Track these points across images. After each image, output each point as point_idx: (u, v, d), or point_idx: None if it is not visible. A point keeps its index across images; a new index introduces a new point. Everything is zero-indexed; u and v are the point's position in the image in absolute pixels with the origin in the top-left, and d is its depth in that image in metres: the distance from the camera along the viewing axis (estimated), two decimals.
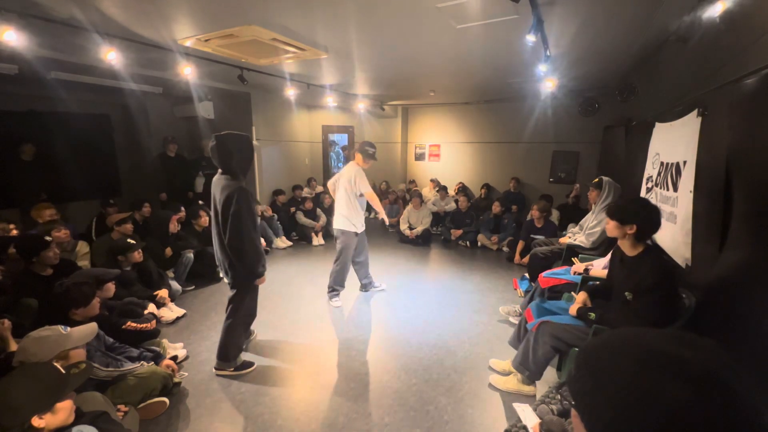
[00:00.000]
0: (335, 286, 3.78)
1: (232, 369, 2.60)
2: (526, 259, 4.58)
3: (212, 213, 2.39)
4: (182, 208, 4.59)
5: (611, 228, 2.02)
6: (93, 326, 1.98)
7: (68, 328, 1.83)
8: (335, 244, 3.77)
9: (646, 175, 3.08)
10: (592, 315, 2.08)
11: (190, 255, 4.10)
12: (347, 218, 3.60)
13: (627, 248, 2.00)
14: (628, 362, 0.51)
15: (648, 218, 1.90)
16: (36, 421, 1.29)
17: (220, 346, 2.58)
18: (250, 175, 6.37)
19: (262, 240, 5.37)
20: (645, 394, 0.47)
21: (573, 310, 2.22)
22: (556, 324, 2.22)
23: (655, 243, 2.44)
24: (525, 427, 1.73)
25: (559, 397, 1.71)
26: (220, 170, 2.40)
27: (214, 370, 2.61)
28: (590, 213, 3.73)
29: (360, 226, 3.69)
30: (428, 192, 7.65)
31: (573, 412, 0.58)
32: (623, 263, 2.04)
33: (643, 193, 3.07)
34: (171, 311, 3.39)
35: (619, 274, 2.06)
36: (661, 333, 0.55)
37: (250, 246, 2.29)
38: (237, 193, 2.24)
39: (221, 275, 2.54)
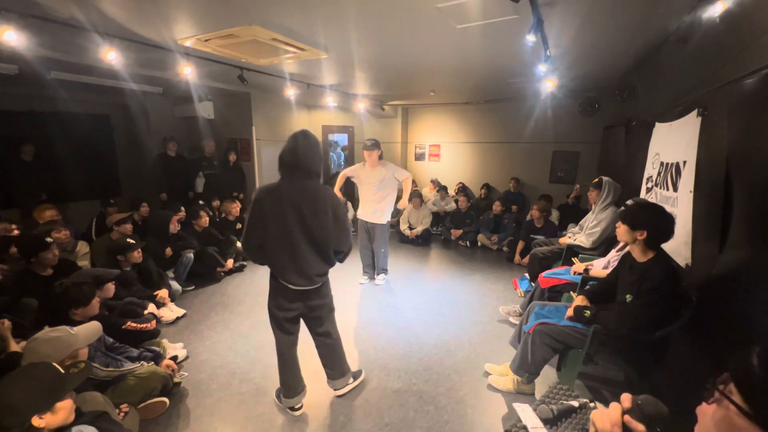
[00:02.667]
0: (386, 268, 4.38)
1: (352, 379, 2.45)
2: (526, 259, 4.58)
3: (294, 220, 1.93)
4: (182, 208, 4.59)
5: (621, 232, 1.99)
6: (97, 325, 1.98)
7: (74, 328, 1.83)
8: (373, 236, 4.21)
9: (646, 175, 3.08)
10: (587, 312, 2.08)
11: (190, 255, 4.10)
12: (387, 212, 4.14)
13: (637, 254, 1.97)
14: None
15: (660, 225, 1.86)
16: (36, 421, 1.29)
17: (340, 362, 2.32)
18: (250, 175, 6.40)
19: None
20: None
21: (570, 312, 2.21)
22: (554, 326, 2.22)
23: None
24: (525, 427, 1.73)
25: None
26: (302, 173, 1.97)
27: (337, 393, 2.35)
28: (590, 213, 3.73)
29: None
30: (428, 192, 7.65)
31: (733, 413, 0.50)
32: (632, 270, 1.99)
33: (643, 194, 3.07)
34: (171, 311, 3.39)
35: (625, 279, 2.03)
36: None
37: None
38: (335, 196, 2.08)
39: (309, 286, 2.07)
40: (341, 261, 2.17)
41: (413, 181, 8.37)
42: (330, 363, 2.34)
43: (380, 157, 4.06)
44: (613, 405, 0.73)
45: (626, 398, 0.73)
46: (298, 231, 1.95)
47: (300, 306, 2.11)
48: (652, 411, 0.70)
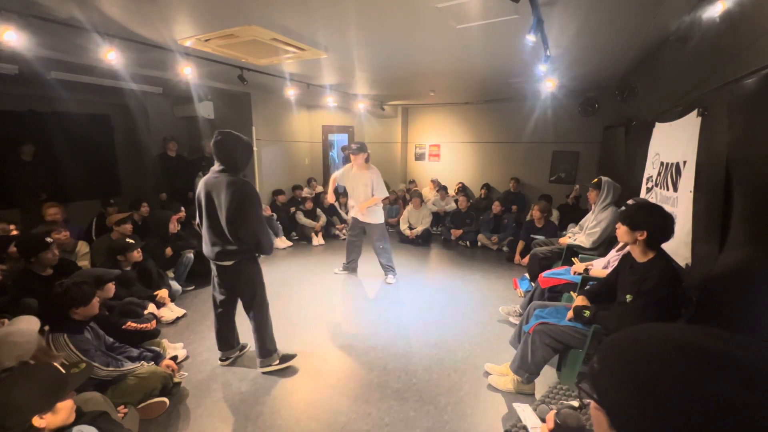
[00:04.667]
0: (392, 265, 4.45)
1: (278, 362, 2.64)
2: (526, 259, 4.58)
3: (204, 210, 2.38)
4: (182, 208, 4.59)
5: (621, 233, 1.98)
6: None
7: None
8: (371, 234, 4.32)
9: (646, 175, 3.08)
10: (587, 312, 2.08)
11: (190, 255, 4.10)
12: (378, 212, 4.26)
13: (637, 254, 1.96)
14: (665, 353, 0.50)
15: (660, 225, 1.86)
16: (37, 421, 1.30)
17: (258, 345, 2.61)
18: (250, 174, 6.40)
19: None
20: (685, 387, 0.45)
21: (570, 314, 2.21)
22: (554, 326, 2.22)
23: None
24: (525, 427, 1.73)
25: (575, 392, 1.69)
26: (219, 168, 2.40)
27: (260, 370, 2.62)
28: (590, 213, 3.73)
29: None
30: (428, 192, 7.65)
31: (593, 407, 0.57)
32: (632, 270, 1.99)
33: (643, 193, 3.07)
34: (171, 311, 3.39)
35: (626, 280, 2.02)
36: (694, 327, 0.54)
37: (265, 230, 2.42)
38: (246, 186, 2.34)
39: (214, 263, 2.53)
40: (253, 248, 2.43)
41: (413, 181, 8.42)
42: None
43: (367, 160, 4.15)
44: (542, 426, 0.85)
45: (550, 417, 0.84)
46: (206, 213, 2.38)
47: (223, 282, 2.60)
48: (574, 423, 0.75)
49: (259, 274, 2.57)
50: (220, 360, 2.74)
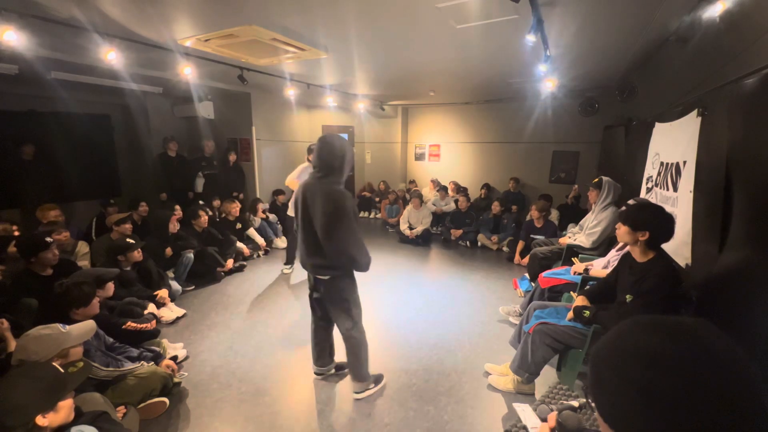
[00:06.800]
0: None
1: (372, 384, 2.46)
2: (526, 259, 4.57)
3: (299, 217, 2.17)
4: (177, 207, 4.57)
5: (622, 233, 1.98)
6: (91, 323, 1.97)
7: (67, 326, 1.83)
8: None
9: (646, 175, 3.08)
10: (587, 312, 2.08)
11: (190, 255, 4.10)
12: None
13: (637, 254, 1.96)
14: (621, 360, 0.53)
15: (661, 226, 1.86)
16: (40, 420, 1.30)
17: (353, 368, 2.38)
18: (250, 175, 6.40)
19: (262, 240, 5.42)
20: (642, 389, 0.48)
21: (570, 315, 2.21)
22: (554, 326, 2.22)
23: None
24: (525, 427, 1.73)
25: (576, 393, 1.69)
26: (319, 174, 2.12)
27: (355, 396, 2.38)
28: (590, 213, 3.73)
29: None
30: (428, 192, 7.65)
31: (600, 420, 0.59)
32: (632, 270, 1.99)
33: (643, 193, 3.07)
34: (171, 311, 3.39)
35: (626, 280, 2.02)
36: (645, 321, 0.55)
37: (360, 246, 2.16)
38: (341, 196, 2.08)
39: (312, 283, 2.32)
40: (349, 267, 2.20)
41: (413, 181, 8.42)
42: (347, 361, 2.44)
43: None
44: (542, 425, 0.87)
45: (552, 417, 0.86)
46: (302, 221, 2.16)
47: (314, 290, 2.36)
48: (573, 425, 0.77)
49: (354, 292, 2.33)
50: (315, 374, 2.57)
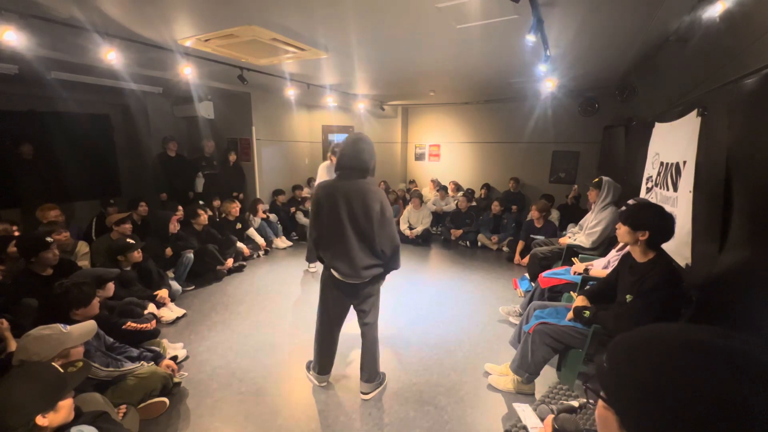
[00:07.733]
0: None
1: (380, 384, 2.46)
2: (526, 259, 4.58)
3: (347, 220, 2.08)
4: (179, 207, 4.58)
5: (622, 233, 1.97)
6: (92, 324, 1.97)
7: (68, 327, 1.83)
8: None
9: (646, 175, 3.08)
10: (587, 313, 2.08)
11: (190, 255, 4.10)
12: None
13: (637, 254, 1.96)
14: (672, 352, 0.51)
15: (661, 225, 1.86)
16: (40, 420, 1.31)
17: (371, 367, 2.36)
18: (250, 175, 6.40)
19: (262, 240, 5.42)
20: (691, 384, 0.47)
21: (570, 315, 2.21)
22: (554, 326, 2.21)
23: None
24: (525, 427, 1.73)
25: (575, 393, 1.70)
26: (351, 174, 2.11)
27: (363, 397, 2.36)
28: (590, 213, 3.73)
29: None
30: (428, 192, 7.65)
31: (601, 407, 0.57)
32: (632, 270, 1.99)
33: (643, 193, 3.07)
34: (171, 311, 3.39)
35: (626, 280, 2.02)
36: (700, 326, 0.55)
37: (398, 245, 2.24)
38: (383, 196, 2.15)
39: (355, 280, 2.20)
40: (390, 263, 2.26)
41: (413, 181, 8.42)
42: (362, 361, 2.41)
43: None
44: (540, 429, 0.86)
45: (547, 423, 0.87)
46: (348, 224, 2.10)
47: (348, 299, 2.30)
48: (571, 428, 0.77)
49: (379, 291, 2.37)
50: (319, 384, 2.49)
